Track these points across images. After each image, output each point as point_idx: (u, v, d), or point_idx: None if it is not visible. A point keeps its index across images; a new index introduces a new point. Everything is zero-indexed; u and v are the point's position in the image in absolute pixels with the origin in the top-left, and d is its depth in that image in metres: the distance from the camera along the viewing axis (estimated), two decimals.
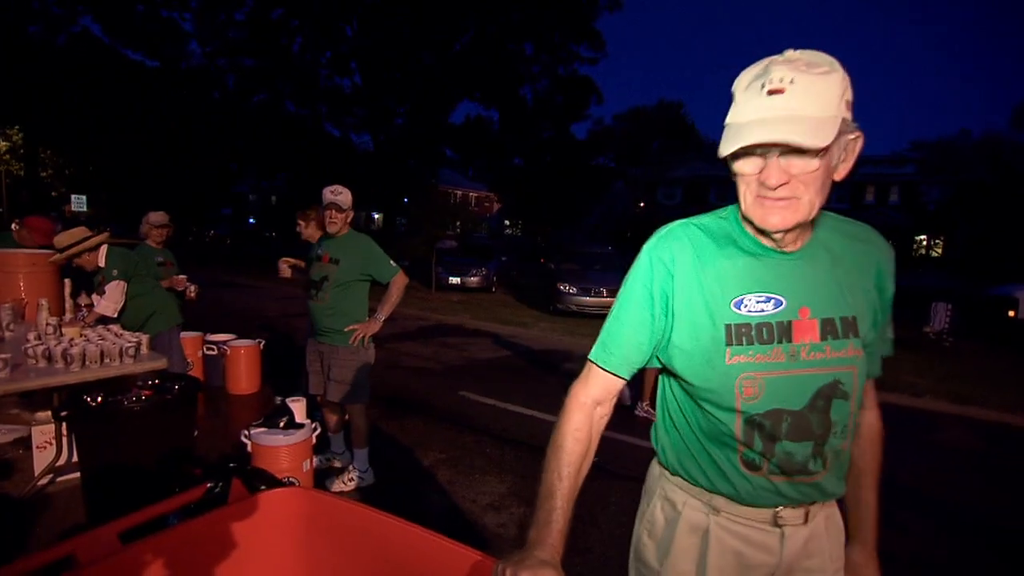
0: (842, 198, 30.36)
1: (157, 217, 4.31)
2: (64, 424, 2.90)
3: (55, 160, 27.06)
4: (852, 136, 0.87)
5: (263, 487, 1.15)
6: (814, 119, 0.79)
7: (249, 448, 2.86)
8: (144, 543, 0.94)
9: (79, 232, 3.41)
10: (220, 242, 31.29)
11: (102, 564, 0.89)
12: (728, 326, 0.94)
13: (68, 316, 3.75)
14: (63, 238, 3.38)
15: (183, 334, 4.33)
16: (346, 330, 3.10)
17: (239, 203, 38.19)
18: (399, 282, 3.17)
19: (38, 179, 25.93)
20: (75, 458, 2.88)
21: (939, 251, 29.39)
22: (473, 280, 14.17)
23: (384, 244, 3.31)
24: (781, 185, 0.84)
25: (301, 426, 2.91)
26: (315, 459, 3.09)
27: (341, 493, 3.17)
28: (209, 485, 1.11)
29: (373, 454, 3.34)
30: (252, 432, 2.88)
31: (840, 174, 0.90)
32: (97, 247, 3.40)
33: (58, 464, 2.94)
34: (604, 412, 1.04)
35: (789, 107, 0.80)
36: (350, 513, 1.12)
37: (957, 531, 3.26)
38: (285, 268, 3.92)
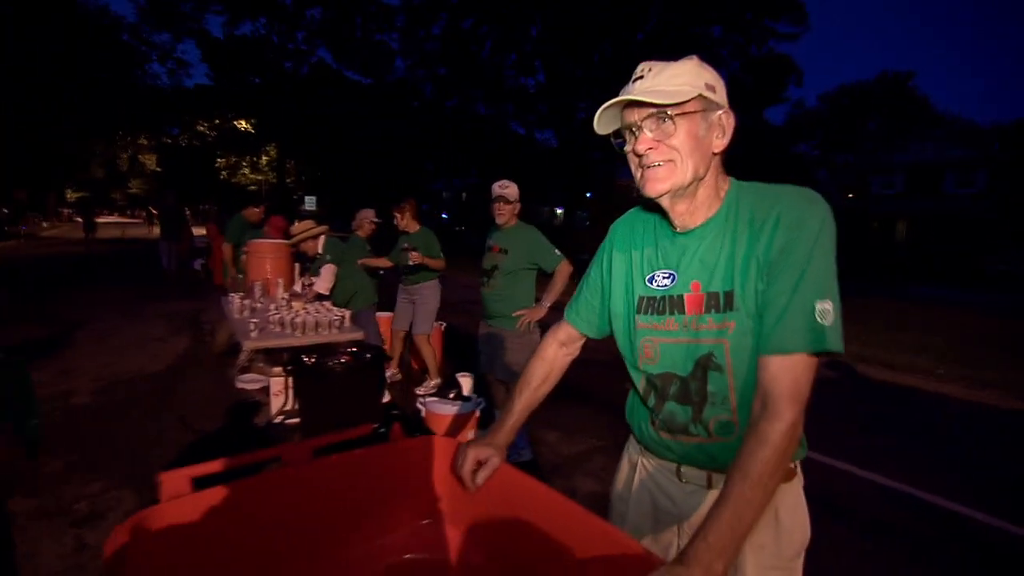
0: None
1: (368, 213, 5.10)
2: (291, 377, 3.60)
3: (297, 168, 32.96)
4: (720, 112, 0.99)
5: (417, 433, 1.34)
6: (663, 90, 0.94)
7: (423, 414, 3.24)
8: (327, 459, 1.19)
9: (307, 224, 4.21)
10: None
11: (297, 467, 1.17)
12: (641, 298, 1.11)
13: (296, 292, 4.63)
14: (295, 228, 4.20)
15: (379, 314, 5.02)
16: (513, 315, 3.31)
17: (434, 200, 42.29)
18: (564, 270, 3.27)
19: (285, 185, 31.83)
20: (297, 405, 3.56)
21: None
22: None
23: (565, 238, 3.42)
24: (649, 150, 0.98)
25: (468, 399, 3.21)
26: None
27: None
28: (375, 426, 1.34)
29: (533, 434, 3.53)
30: (427, 401, 3.26)
31: (718, 147, 1.01)
32: (317, 237, 4.16)
33: (286, 409, 3.66)
34: (568, 352, 1.31)
35: (645, 85, 0.96)
36: None
37: None
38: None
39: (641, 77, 0.97)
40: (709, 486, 1.08)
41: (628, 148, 1.02)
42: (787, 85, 22.41)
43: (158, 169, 39.34)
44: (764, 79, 21.47)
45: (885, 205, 26.93)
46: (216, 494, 1.08)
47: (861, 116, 37.95)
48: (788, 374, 0.88)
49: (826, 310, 0.88)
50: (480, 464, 1.13)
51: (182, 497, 1.04)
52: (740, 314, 0.97)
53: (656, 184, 0.98)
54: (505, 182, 3.31)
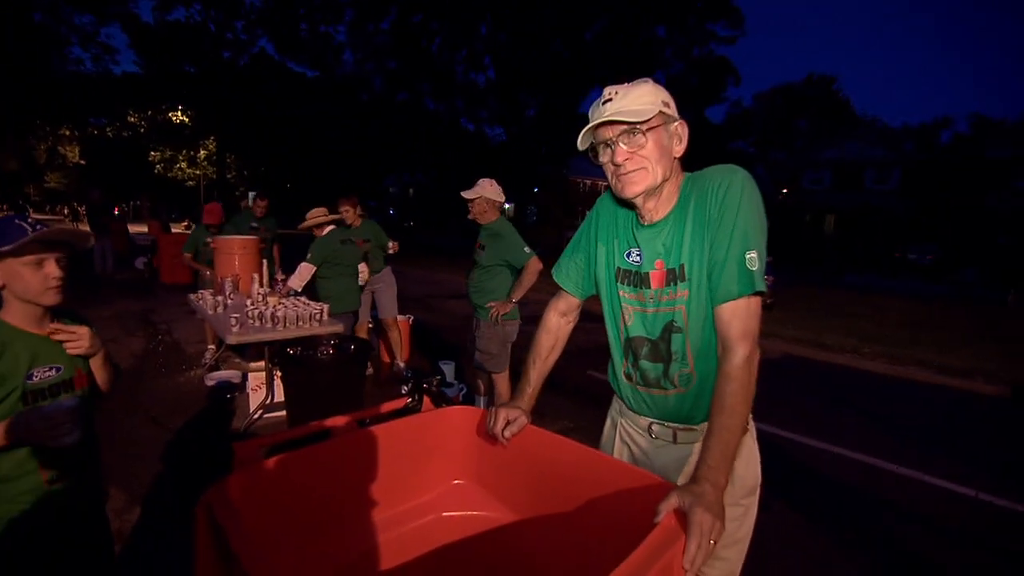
0: None
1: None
2: (272, 371, 3.64)
3: (238, 164, 31.61)
4: (676, 124, 1.20)
5: (444, 404, 1.51)
6: (632, 109, 1.13)
7: None
8: (370, 429, 1.34)
9: (321, 211, 4.26)
10: None
11: (345, 436, 1.32)
12: (619, 268, 1.31)
13: (267, 288, 4.61)
14: (310, 214, 4.25)
15: None
16: (486, 306, 3.49)
17: (382, 196, 41.60)
18: (532, 267, 3.43)
19: (225, 181, 30.51)
20: (278, 398, 3.61)
21: None
22: None
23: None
24: (626, 160, 1.16)
25: (451, 385, 3.37)
26: None
27: None
28: (409, 400, 1.50)
29: None
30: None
31: (678, 152, 1.22)
32: (325, 225, 4.22)
33: (267, 403, 3.69)
34: (569, 320, 1.50)
35: (615, 106, 1.15)
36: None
37: None
38: None
39: (610, 99, 1.15)
40: (675, 441, 1.30)
41: (605, 159, 1.21)
42: (726, 85, 23.51)
43: (81, 162, 36.71)
44: (705, 79, 22.44)
45: (815, 200, 28.66)
46: (281, 461, 1.22)
47: (792, 115, 40.16)
48: (737, 319, 1.11)
49: (753, 258, 1.11)
50: (509, 422, 1.31)
51: (254, 464, 1.17)
52: (692, 283, 1.19)
53: (633, 187, 1.18)
54: (479, 181, 3.46)
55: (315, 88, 27.15)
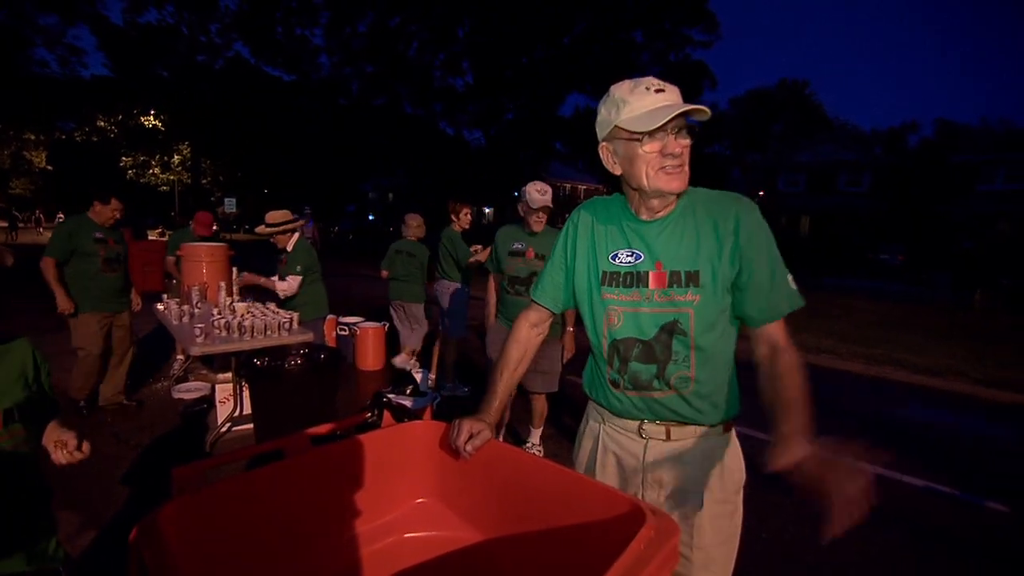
0: None
1: (414, 219, 5.13)
2: (240, 383, 3.51)
3: (213, 169, 31.03)
4: None
5: (405, 419, 1.44)
6: (699, 108, 1.13)
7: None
8: (327, 447, 1.26)
9: (284, 215, 4.06)
10: (343, 236, 34.03)
11: (299, 456, 1.23)
12: (604, 272, 1.28)
13: (236, 297, 4.47)
14: (273, 217, 4.02)
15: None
16: None
17: (361, 200, 41.20)
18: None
19: (200, 186, 29.93)
20: (247, 411, 3.48)
21: None
22: None
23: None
24: (681, 153, 1.16)
25: (424, 394, 3.28)
26: None
27: None
28: (368, 414, 1.42)
29: None
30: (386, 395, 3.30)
31: None
32: (293, 231, 4.06)
33: (235, 415, 3.56)
34: (539, 332, 1.47)
35: (674, 99, 1.16)
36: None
37: None
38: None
39: (662, 90, 1.15)
40: (668, 438, 1.27)
41: (655, 148, 1.16)
42: (703, 89, 23.80)
43: (48, 168, 35.69)
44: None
45: (791, 202, 29.14)
46: (228, 486, 1.13)
47: (767, 119, 40.89)
48: (782, 330, 1.22)
49: (791, 280, 1.22)
50: (472, 435, 1.25)
51: (198, 491, 1.08)
52: (706, 290, 1.19)
53: (680, 182, 1.17)
54: (543, 187, 3.12)
55: (292, 92, 26.80)
